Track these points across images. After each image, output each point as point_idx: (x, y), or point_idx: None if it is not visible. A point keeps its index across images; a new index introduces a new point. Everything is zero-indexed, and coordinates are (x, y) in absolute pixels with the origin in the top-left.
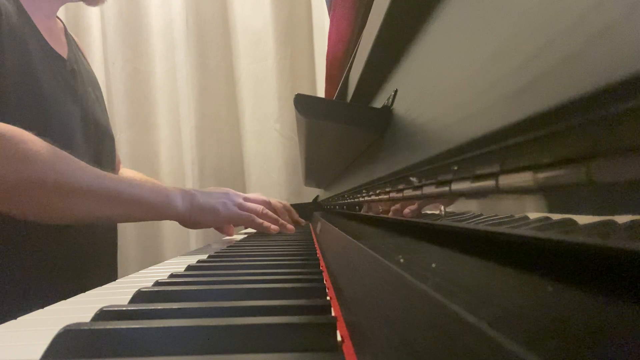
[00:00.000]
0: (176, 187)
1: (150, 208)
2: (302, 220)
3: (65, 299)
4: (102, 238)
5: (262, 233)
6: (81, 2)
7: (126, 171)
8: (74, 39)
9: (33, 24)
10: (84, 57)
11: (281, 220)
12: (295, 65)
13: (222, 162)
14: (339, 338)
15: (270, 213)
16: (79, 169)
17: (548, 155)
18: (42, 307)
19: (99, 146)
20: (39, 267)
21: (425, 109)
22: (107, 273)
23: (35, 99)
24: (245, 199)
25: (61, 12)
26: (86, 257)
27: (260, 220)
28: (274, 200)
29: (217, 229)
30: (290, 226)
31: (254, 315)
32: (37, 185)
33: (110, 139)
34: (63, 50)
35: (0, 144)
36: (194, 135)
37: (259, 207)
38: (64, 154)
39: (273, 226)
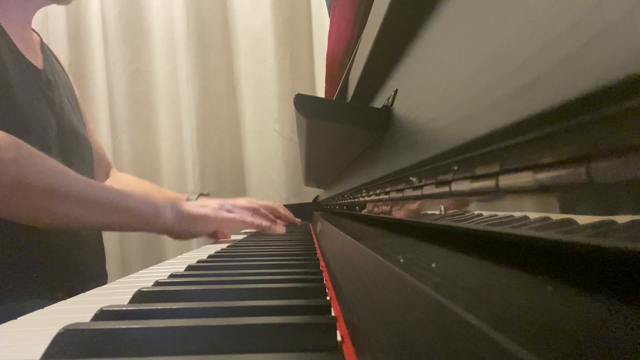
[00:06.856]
0: (166, 200)
1: (140, 217)
2: (298, 220)
3: (46, 300)
4: (86, 238)
5: (261, 233)
6: (54, 5)
7: (121, 175)
8: (51, 51)
9: (6, 33)
10: (63, 69)
11: (271, 223)
12: (295, 65)
13: (222, 162)
14: (339, 338)
15: (260, 213)
16: (70, 176)
17: (548, 155)
18: (19, 309)
19: (75, 155)
20: (18, 266)
21: (425, 109)
22: (94, 273)
23: (10, 108)
24: (234, 205)
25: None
26: (69, 257)
27: (252, 219)
28: (264, 203)
29: (210, 236)
30: (280, 227)
31: (254, 315)
32: (26, 189)
33: (88, 147)
34: (38, 61)
35: None
36: (195, 136)
37: (249, 212)
38: (54, 161)
39: (265, 223)
